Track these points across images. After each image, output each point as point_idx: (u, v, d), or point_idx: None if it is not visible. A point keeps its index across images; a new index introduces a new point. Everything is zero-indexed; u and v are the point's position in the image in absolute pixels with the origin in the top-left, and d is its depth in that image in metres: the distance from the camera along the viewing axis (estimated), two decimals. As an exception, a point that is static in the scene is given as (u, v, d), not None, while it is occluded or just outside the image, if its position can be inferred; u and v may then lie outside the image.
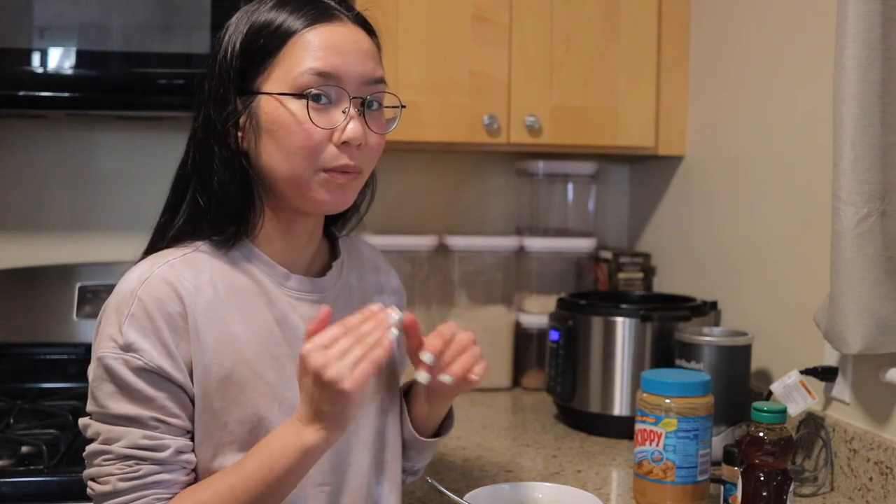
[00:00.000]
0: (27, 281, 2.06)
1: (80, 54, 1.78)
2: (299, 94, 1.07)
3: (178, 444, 1.06)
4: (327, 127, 1.08)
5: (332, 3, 1.13)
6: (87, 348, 1.86)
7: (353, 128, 1.09)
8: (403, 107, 1.17)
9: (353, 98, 1.09)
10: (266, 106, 1.09)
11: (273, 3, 1.12)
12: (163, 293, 1.07)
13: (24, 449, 1.54)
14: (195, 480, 1.09)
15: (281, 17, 1.09)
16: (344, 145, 1.09)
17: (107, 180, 2.18)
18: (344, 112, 1.09)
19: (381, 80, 1.13)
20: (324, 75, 1.08)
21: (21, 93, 1.80)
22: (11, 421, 1.70)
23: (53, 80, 1.78)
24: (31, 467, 1.49)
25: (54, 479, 1.45)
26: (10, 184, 2.14)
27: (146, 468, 1.04)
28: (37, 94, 1.80)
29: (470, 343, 1.16)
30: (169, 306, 1.06)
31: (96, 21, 1.78)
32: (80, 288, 2.05)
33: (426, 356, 1.12)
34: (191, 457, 1.08)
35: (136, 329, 1.05)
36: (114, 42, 1.79)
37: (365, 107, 1.11)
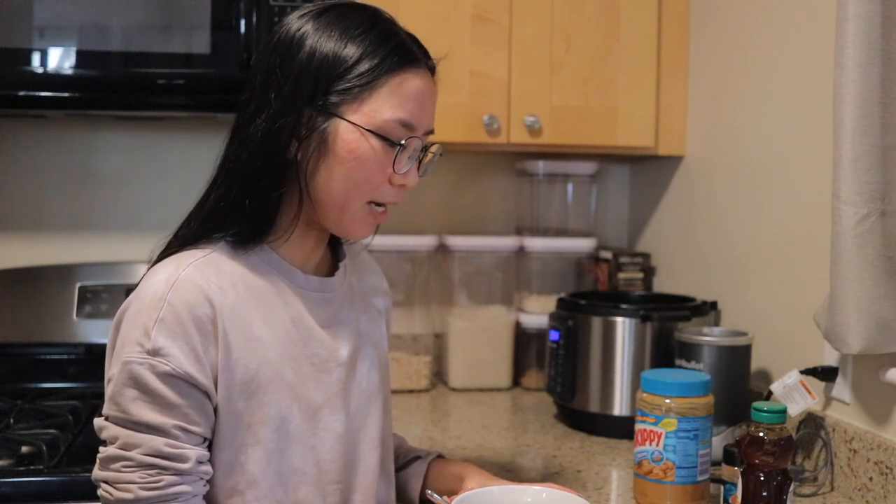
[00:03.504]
0: (27, 281, 2.05)
1: (80, 54, 1.78)
2: (389, 140, 1.10)
3: (198, 454, 1.06)
4: (400, 172, 1.12)
5: (417, 48, 1.15)
6: (87, 348, 1.85)
7: (414, 176, 1.15)
8: (441, 154, 1.21)
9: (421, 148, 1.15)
10: (346, 134, 1.09)
11: (362, 27, 1.11)
12: (192, 296, 1.06)
13: (24, 449, 1.53)
14: (208, 488, 1.09)
15: (375, 52, 1.10)
16: (401, 186, 1.14)
17: (107, 180, 2.18)
18: (410, 158, 1.13)
19: (433, 131, 1.18)
20: (407, 126, 1.11)
21: (21, 93, 1.80)
22: (11, 421, 1.70)
23: (53, 80, 1.78)
24: (31, 467, 1.49)
25: (54, 479, 1.45)
26: (10, 184, 2.14)
27: (168, 478, 1.04)
28: (37, 94, 1.80)
29: None
30: (198, 309, 1.06)
31: (96, 21, 1.78)
32: (80, 288, 2.05)
33: None
34: (208, 467, 1.08)
35: (165, 334, 1.04)
36: (114, 42, 1.78)
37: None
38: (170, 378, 1.04)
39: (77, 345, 2.01)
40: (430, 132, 1.17)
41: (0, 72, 1.77)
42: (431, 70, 1.17)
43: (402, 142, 1.11)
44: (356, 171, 1.10)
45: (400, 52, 1.11)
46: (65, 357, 2.01)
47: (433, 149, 1.18)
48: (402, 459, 1.36)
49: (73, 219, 2.17)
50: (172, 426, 1.04)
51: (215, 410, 1.08)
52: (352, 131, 1.09)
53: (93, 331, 2.02)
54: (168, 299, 1.05)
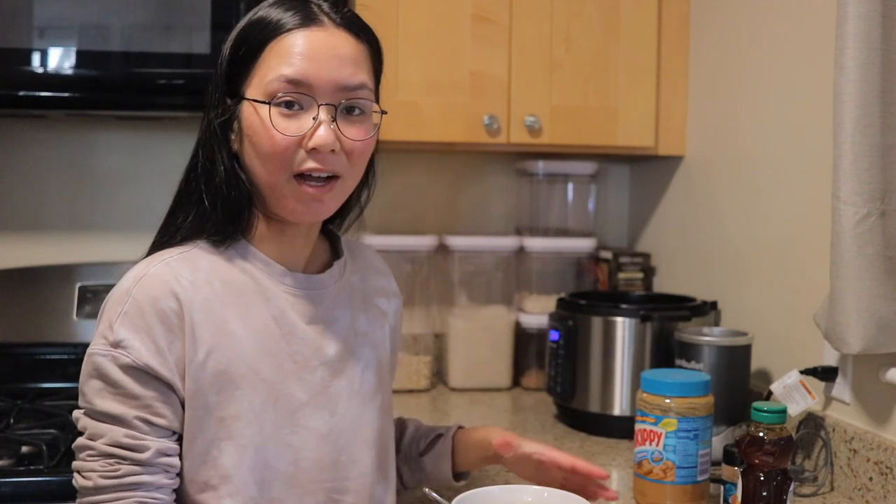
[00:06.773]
0: (27, 281, 2.05)
1: (80, 54, 1.78)
2: (267, 101, 1.08)
3: (160, 446, 1.06)
4: (294, 134, 1.08)
5: (320, 7, 1.12)
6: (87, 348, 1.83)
7: (321, 134, 1.08)
8: (384, 112, 1.16)
9: (324, 105, 1.08)
10: (246, 111, 1.11)
11: (267, 6, 1.13)
12: (157, 291, 1.07)
13: (24, 449, 1.54)
14: (177, 483, 1.10)
15: (265, 21, 1.10)
16: (313, 151, 1.09)
17: (107, 180, 2.18)
18: (314, 118, 1.08)
19: (361, 87, 1.11)
20: (294, 82, 1.08)
21: (21, 93, 1.80)
22: (11, 421, 1.70)
23: (53, 80, 1.78)
24: (31, 467, 1.49)
25: (54, 479, 1.45)
26: (10, 184, 2.14)
27: (126, 468, 1.05)
28: (37, 94, 1.80)
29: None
30: (163, 303, 1.07)
31: (96, 21, 1.78)
32: (80, 288, 2.05)
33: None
34: (173, 460, 1.08)
35: (127, 327, 1.06)
36: (114, 42, 1.78)
37: (339, 112, 1.10)
38: (131, 370, 1.05)
39: (77, 345, 2.01)
40: (357, 87, 1.10)
41: (0, 72, 1.77)
42: (344, 25, 1.11)
43: (281, 97, 1.07)
44: (258, 144, 1.09)
45: (284, 16, 1.10)
46: (65, 357, 2.01)
47: (361, 104, 1.11)
48: (424, 441, 1.37)
49: (73, 219, 2.17)
50: (134, 417, 1.05)
51: (184, 403, 1.09)
52: (248, 106, 1.10)
53: (93, 331, 2.02)
54: (133, 293, 1.07)
